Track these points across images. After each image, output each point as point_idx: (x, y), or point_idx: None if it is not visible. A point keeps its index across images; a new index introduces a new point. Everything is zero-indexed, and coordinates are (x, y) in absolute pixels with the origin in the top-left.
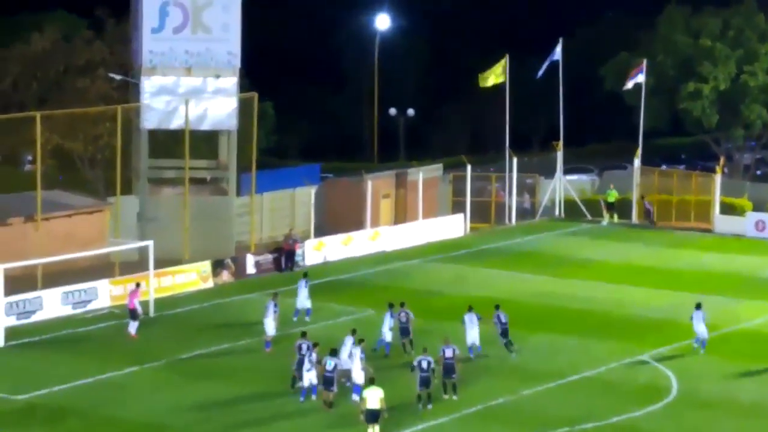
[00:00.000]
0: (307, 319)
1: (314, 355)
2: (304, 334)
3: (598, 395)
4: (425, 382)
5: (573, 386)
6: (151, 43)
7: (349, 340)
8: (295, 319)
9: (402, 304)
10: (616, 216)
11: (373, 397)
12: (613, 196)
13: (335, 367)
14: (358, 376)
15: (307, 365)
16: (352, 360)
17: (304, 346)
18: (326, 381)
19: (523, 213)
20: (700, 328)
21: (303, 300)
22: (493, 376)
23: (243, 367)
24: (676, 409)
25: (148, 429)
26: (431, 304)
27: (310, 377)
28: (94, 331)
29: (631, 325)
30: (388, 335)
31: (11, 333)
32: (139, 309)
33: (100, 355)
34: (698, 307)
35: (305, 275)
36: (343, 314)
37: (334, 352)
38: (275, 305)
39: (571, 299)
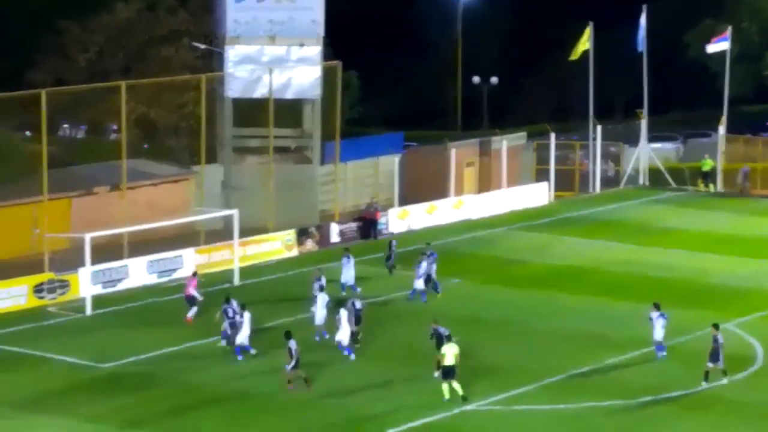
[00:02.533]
0: (358, 290)
1: (246, 314)
2: (228, 299)
3: (682, 364)
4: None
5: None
6: (235, 12)
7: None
8: (343, 293)
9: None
10: (712, 185)
11: (450, 354)
12: (708, 164)
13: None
14: (344, 337)
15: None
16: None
17: (230, 311)
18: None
19: (607, 181)
20: None
21: (348, 276)
22: (577, 344)
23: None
24: (760, 379)
25: (232, 397)
26: (515, 272)
27: (242, 337)
28: (179, 300)
29: (714, 293)
30: (419, 283)
31: (97, 301)
32: (198, 295)
33: (184, 324)
34: None
35: (347, 250)
36: None
37: (288, 334)
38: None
39: (655, 267)
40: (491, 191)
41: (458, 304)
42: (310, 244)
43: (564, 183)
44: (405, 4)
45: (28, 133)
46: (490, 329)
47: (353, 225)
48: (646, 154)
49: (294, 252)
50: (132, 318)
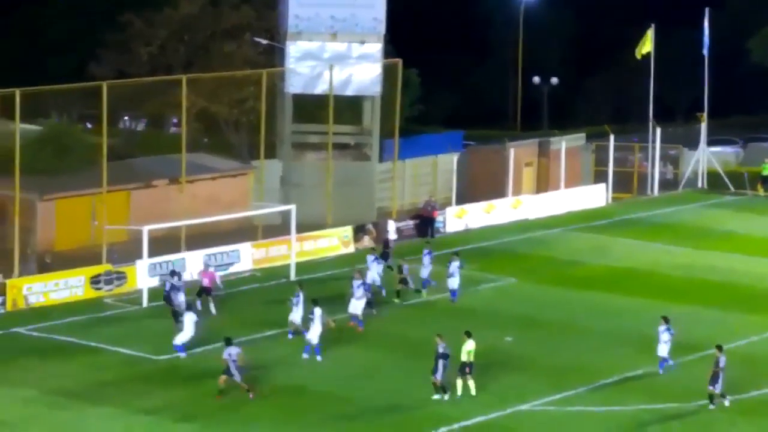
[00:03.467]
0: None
1: (316, 310)
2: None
3: (738, 369)
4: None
5: (712, 359)
6: (297, 8)
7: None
8: (424, 290)
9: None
10: None
11: (464, 350)
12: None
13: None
14: (314, 336)
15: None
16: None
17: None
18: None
19: (666, 184)
20: None
21: (374, 275)
22: (632, 346)
23: (381, 332)
24: None
25: (287, 391)
26: (572, 273)
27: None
28: (235, 294)
29: None
30: (452, 282)
31: (154, 294)
32: (220, 283)
33: (240, 318)
34: None
35: (428, 243)
36: (484, 281)
37: (229, 341)
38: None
39: (713, 271)
40: (549, 192)
41: (514, 303)
42: (367, 241)
43: (622, 185)
44: (468, 3)
45: (89, 125)
46: (546, 329)
47: (410, 222)
48: (705, 157)
49: (351, 248)
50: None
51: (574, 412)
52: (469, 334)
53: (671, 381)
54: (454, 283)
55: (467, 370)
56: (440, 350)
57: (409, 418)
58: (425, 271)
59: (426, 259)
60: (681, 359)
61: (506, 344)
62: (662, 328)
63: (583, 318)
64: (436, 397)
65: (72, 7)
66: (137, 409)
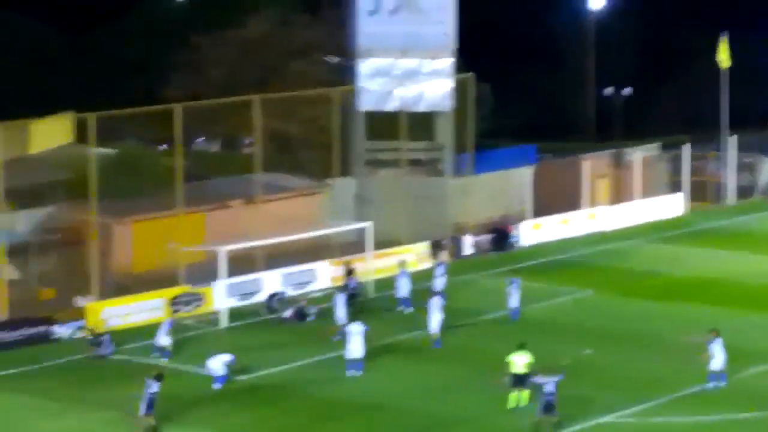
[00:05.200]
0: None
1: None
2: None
3: None
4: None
5: None
6: (366, 26)
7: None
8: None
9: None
10: None
11: (519, 362)
12: None
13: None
14: (356, 351)
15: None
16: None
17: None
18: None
19: (742, 192)
20: None
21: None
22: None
23: (459, 347)
24: None
25: (365, 409)
26: (649, 284)
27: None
28: (323, 311)
29: None
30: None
31: (233, 314)
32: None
33: (319, 336)
34: None
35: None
36: (560, 295)
37: (159, 377)
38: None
39: None
40: (624, 202)
41: (591, 315)
42: (443, 256)
43: (698, 194)
44: (538, 14)
45: (163, 146)
46: (625, 341)
47: (486, 237)
48: None
49: (427, 264)
50: (267, 330)
51: (656, 424)
52: (522, 346)
53: (753, 389)
54: (513, 302)
55: (523, 383)
56: (549, 389)
57: None
58: (438, 283)
59: (438, 270)
60: (759, 367)
61: (586, 356)
62: (714, 342)
63: (662, 328)
64: None
65: (142, 29)
66: (219, 429)
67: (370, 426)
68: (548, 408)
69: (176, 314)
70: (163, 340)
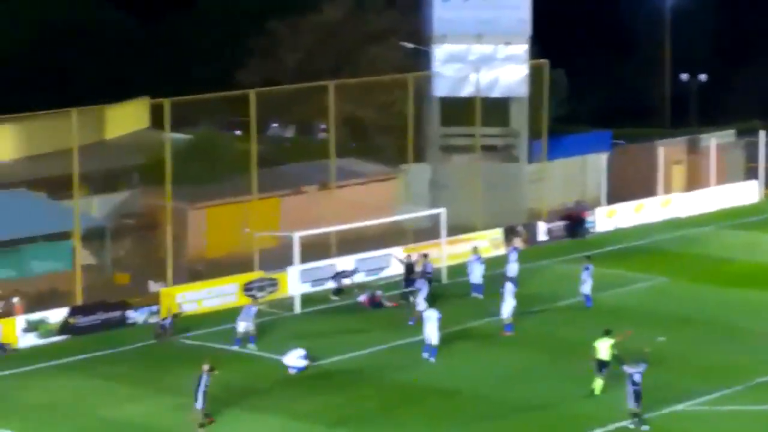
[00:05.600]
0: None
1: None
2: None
3: None
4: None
5: None
6: (441, 12)
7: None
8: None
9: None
10: None
11: (603, 348)
12: None
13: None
14: (433, 337)
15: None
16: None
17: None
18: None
19: None
20: None
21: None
22: None
23: (533, 333)
24: None
25: (439, 394)
26: (724, 270)
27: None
28: (390, 298)
29: None
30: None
31: (307, 300)
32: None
33: (391, 322)
34: None
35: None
36: (635, 281)
37: (212, 369)
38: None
39: None
40: (700, 189)
41: (667, 302)
42: (517, 242)
43: None
44: (612, 1)
45: (238, 132)
46: (699, 328)
47: (560, 223)
48: None
49: (501, 250)
50: (340, 316)
51: (730, 412)
52: (607, 333)
53: None
54: (586, 288)
55: (605, 369)
56: (637, 378)
57: (562, 419)
58: (511, 269)
59: (512, 257)
60: None
61: (659, 344)
62: None
63: (737, 316)
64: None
65: (217, 15)
66: (293, 414)
67: (446, 411)
68: (638, 397)
69: (257, 300)
70: (243, 326)
